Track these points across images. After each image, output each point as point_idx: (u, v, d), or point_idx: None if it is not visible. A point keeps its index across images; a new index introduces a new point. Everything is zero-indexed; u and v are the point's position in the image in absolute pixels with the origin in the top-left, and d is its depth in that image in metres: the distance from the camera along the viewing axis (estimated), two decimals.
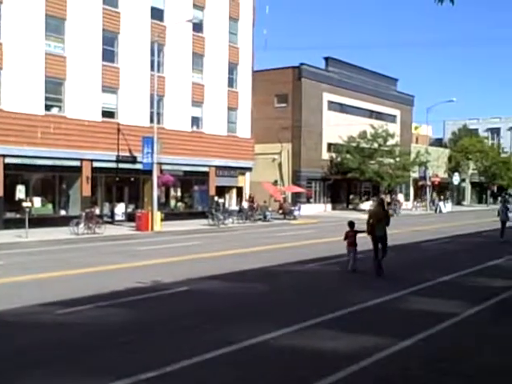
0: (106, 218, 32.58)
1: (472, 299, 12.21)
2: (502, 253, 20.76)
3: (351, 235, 16.53)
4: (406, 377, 7.35)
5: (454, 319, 10.42)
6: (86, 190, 32.90)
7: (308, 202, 50.35)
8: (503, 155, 75.49)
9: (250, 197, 41.08)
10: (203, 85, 40.52)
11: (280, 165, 50.75)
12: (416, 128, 76.57)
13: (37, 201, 31.28)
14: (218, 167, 41.13)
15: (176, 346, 8.63)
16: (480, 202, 76.70)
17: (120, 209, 35.58)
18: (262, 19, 70.96)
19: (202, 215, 36.97)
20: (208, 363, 7.76)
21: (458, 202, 72.15)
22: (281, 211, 41.77)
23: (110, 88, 34.40)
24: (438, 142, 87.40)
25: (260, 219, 38.12)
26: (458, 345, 8.87)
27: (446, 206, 57.12)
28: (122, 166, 34.67)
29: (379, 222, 15.80)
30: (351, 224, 16.81)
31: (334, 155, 52.95)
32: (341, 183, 54.24)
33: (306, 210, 46.78)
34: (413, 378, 7.32)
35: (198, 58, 40.02)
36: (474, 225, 36.10)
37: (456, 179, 66.23)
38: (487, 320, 10.58)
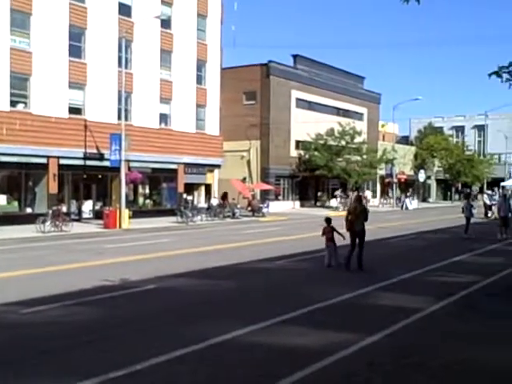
0: (73, 216, 32.31)
1: (437, 294, 12.42)
2: (466, 249, 21.15)
3: (329, 231, 16.76)
4: (373, 372, 7.45)
5: (420, 314, 10.60)
6: (53, 188, 32.55)
7: (276, 199, 50.56)
8: (467, 153, 76.86)
9: (223, 194, 41.09)
10: (171, 81, 40.38)
11: (248, 162, 50.86)
12: (383, 126, 77.39)
13: (2, 198, 30.91)
14: (186, 164, 41.03)
15: (144, 344, 8.62)
16: (445, 198, 77.96)
17: (87, 206, 35.31)
18: (230, 16, 70.77)
19: (170, 213, 36.87)
20: (177, 361, 7.78)
21: (424, 199, 73.19)
22: (249, 208, 41.93)
23: (76, 84, 34.07)
24: (405, 140, 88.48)
25: (229, 216, 38.17)
26: (423, 340, 9.03)
27: (412, 203, 57.93)
28: (89, 163, 34.37)
29: (357, 217, 16.13)
30: (328, 220, 17.07)
31: (302, 152, 53.28)
32: (309, 180, 54.62)
33: (275, 207, 46.99)
34: (380, 373, 7.43)
35: (166, 54, 39.87)
36: (439, 221, 36.68)
37: (422, 176, 67.22)
38: (452, 315, 10.77)
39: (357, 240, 16.13)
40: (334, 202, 51.51)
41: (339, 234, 16.72)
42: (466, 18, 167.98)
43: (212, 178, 44.10)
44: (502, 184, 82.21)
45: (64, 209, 30.39)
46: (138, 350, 8.23)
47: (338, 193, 52.48)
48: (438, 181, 77.83)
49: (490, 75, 5.22)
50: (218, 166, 44.14)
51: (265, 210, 41.97)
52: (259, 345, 8.60)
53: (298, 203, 53.76)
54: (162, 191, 40.95)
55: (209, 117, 43.63)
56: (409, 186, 67.17)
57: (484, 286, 13.72)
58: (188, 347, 8.28)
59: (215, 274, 15.67)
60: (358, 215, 16.22)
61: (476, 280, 14.36)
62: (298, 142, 53.38)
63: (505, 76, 5.22)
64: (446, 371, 7.50)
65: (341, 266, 16.25)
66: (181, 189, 40.85)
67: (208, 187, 44.00)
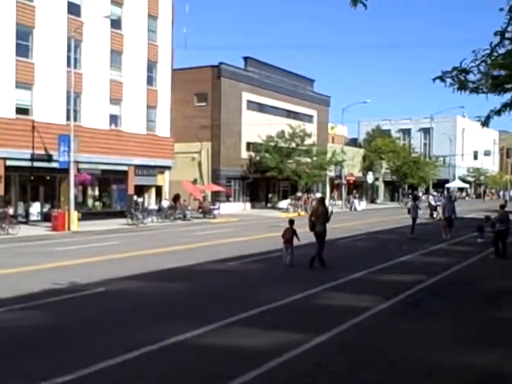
0: (20, 218, 31.65)
1: (384, 294, 12.77)
2: (412, 249, 21.71)
3: (290, 232, 17.28)
4: (321, 372, 7.65)
5: (368, 313, 10.91)
6: None
7: (227, 200, 50.67)
8: (414, 155, 78.58)
9: (174, 196, 40.96)
10: (122, 82, 40.04)
11: (200, 164, 50.82)
12: (332, 128, 78.46)
13: None
14: (137, 166, 40.73)
15: (93, 347, 8.62)
16: (392, 199, 79.44)
17: (35, 208, 34.68)
18: (181, 17, 70.69)
19: (120, 215, 36.55)
20: (128, 364, 7.83)
21: (372, 200, 74.45)
22: (200, 210, 41.93)
23: (24, 84, 33.45)
24: (353, 142, 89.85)
25: (180, 218, 38.10)
26: (371, 339, 9.29)
27: (361, 204, 58.91)
28: (37, 164, 33.78)
29: (319, 218, 16.89)
30: (291, 222, 17.64)
31: (252, 154, 53.53)
32: (260, 182, 54.95)
33: (226, 208, 47.12)
34: (328, 372, 7.63)
35: (116, 55, 39.51)
36: (386, 222, 37.44)
37: (370, 178, 68.40)
38: (398, 314, 11.11)
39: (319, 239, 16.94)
40: (284, 204, 51.96)
41: (297, 236, 17.30)
42: (413, 22, 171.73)
43: (163, 180, 43.90)
44: (447, 186, 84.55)
45: (11, 211, 29.71)
46: (87, 354, 8.22)
47: (292, 196, 52.92)
48: (386, 182, 79.28)
49: (434, 80, 5.47)
50: (169, 168, 43.97)
51: (216, 212, 42.08)
52: (210, 346, 8.70)
53: (248, 205, 54.00)
54: (111, 193, 40.53)
55: (159, 118, 43.43)
56: (357, 187, 68.23)
57: (428, 286, 14.18)
58: (139, 350, 8.33)
59: (167, 276, 15.72)
60: (319, 216, 16.91)
61: (421, 279, 14.81)
62: (248, 144, 53.61)
63: (448, 80, 5.49)
64: (392, 369, 7.75)
65: (293, 266, 16.78)
66: (131, 190, 40.52)
67: (159, 189, 43.77)
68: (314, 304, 12.01)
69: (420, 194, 69.91)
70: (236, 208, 50.79)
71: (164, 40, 43.60)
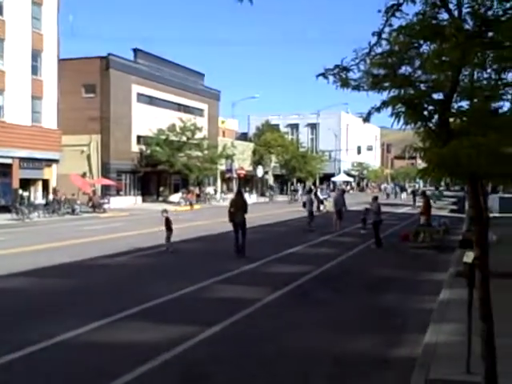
0: None
1: (273, 285, 13.28)
2: (300, 241, 22.50)
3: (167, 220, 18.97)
4: (214, 362, 7.96)
5: (257, 304, 11.34)
6: None
7: (118, 194, 49.91)
8: (301, 149, 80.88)
9: (53, 189, 39.82)
10: (4, 71, 38.42)
11: (89, 157, 49.64)
12: (223, 122, 78.99)
13: None
14: (21, 159, 39.23)
15: None
16: (282, 193, 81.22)
17: None
18: (67, 5, 68.32)
19: (5, 209, 35.09)
20: (14, 363, 7.74)
21: (262, 194, 75.76)
22: (90, 204, 41.07)
23: None
24: (244, 136, 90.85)
25: (68, 213, 37.14)
26: (260, 329, 9.72)
27: (251, 197, 59.84)
28: None
29: (238, 210, 18.08)
30: (165, 210, 19.37)
31: (143, 147, 53.00)
32: (151, 176, 54.50)
33: (117, 202, 46.42)
34: (220, 362, 7.96)
35: None
36: (276, 215, 38.35)
37: (260, 172, 69.62)
38: (287, 304, 11.63)
39: (239, 231, 18.09)
40: (175, 197, 51.89)
41: (169, 225, 19.17)
42: (302, 19, 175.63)
43: (50, 174, 42.56)
44: (333, 179, 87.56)
45: None
46: None
47: (183, 190, 53.01)
48: (276, 176, 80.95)
49: (317, 76, 5.82)
50: (57, 161, 42.69)
51: (106, 206, 41.40)
52: (99, 343, 8.75)
53: (140, 198, 53.41)
54: None
55: (46, 109, 42.06)
56: (248, 181, 69.24)
57: (315, 276, 14.88)
58: (24, 349, 8.23)
59: (55, 272, 15.44)
60: (238, 208, 18.17)
61: (308, 270, 15.48)
62: (139, 137, 53.01)
63: (331, 78, 5.85)
64: (281, 358, 8.18)
65: (173, 253, 18.27)
66: (16, 184, 38.97)
67: (46, 183, 42.39)
68: (206, 297, 12.28)
69: (312, 187, 72.03)
70: (127, 202, 50.11)
71: (49, 28, 42.23)
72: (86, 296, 12.38)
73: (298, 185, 71.74)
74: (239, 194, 19.61)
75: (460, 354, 7.04)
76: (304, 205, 28.73)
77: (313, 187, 59.47)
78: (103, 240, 23.14)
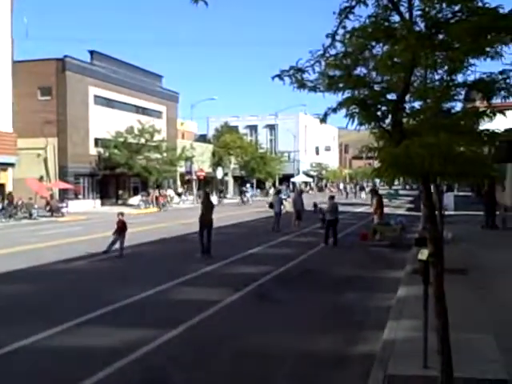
0: None
1: (234, 286, 13.30)
2: (260, 241, 22.55)
3: (121, 223, 18.93)
4: (173, 365, 7.95)
5: (218, 306, 11.36)
6: None
7: (76, 198, 49.24)
8: (260, 151, 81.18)
9: (8, 194, 39.06)
10: None
11: (46, 160, 48.79)
12: (182, 124, 78.66)
13: None
14: None
15: None
16: (241, 194, 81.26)
17: None
18: (21, 7, 67.21)
19: None
20: None
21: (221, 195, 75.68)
22: (48, 208, 40.45)
23: None
24: (203, 138, 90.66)
25: (26, 217, 36.49)
26: (220, 330, 9.75)
27: (212, 199, 59.59)
28: None
29: (207, 211, 18.85)
30: (121, 213, 19.47)
31: (101, 150, 52.39)
32: (109, 179, 53.90)
33: (75, 206, 45.75)
34: (179, 365, 7.95)
35: None
36: (236, 216, 38.36)
37: (219, 173, 69.58)
38: (247, 305, 11.69)
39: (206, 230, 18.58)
40: (135, 200, 51.49)
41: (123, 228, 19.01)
42: (258, 22, 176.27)
43: (5, 178, 41.71)
44: (292, 180, 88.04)
45: None
46: None
47: (142, 193, 52.63)
48: (235, 177, 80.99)
49: (273, 78, 5.88)
50: (12, 165, 41.87)
51: (64, 210, 40.81)
52: (58, 348, 8.66)
53: (98, 202, 52.77)
54: None
55: (0, 112, 41.18)
56: (208, 182, 69.07)
57: (275, 276, 14.97)
58: None
59: (11, 278, 15.17)
60: (207, 209, 18.94)
61: (269, 270, 15.56)
62: (97, 140, 52.36)
63: (287, 79, 5.90)
64: (242, 359, 8.23)
65: (122, 256, 18.10)
66: None
67: (2, 187, 41.51)
68: (167, 299, 12.25)
69: (267, 188, 72.30)
70: (86, 205, 49.45)
71: (2, 29, 41.37)
72: (43, 302, 12.20)
73: (248, 186, 71.79)
74: (206, 196, 20.42)
75: (417, 349, 7.19)
76: (271, 205, 28.58)
77: (274, 188, 59.72)
78: (61, 244, 22.80)
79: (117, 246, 18.69)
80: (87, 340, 9.11)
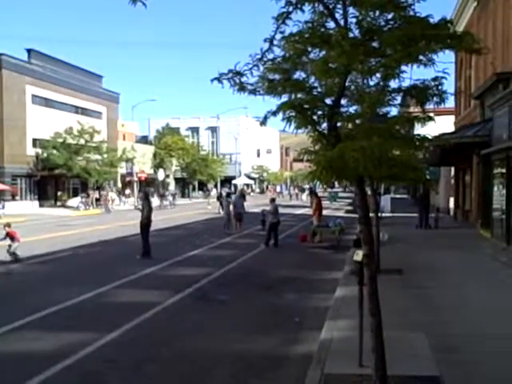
0: None
1: (174, 288, 13.26)
2: (201, 243, 22.50)
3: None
4: (111, 368, 7.86)
5: (158, 308, 11.31)
6: None
7: (14, 199, 48.01)
8: (202, 153, 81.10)
9: None
10: None
11: None
12: (123, 125, 77.74)
13: None
14: None
15: None
16: (183, 196, 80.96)
17: None
18: None
19: None
20: None
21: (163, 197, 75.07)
22: None
23: None
24: (144, 140, 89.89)
25: None
26: (160, 332, 9.71)
27: (153, 201, 59.08)
28: None
29: (150, 211, 19.24)
30: (8, 225, 18.83)
31: (39, 151, 51.25)
32: (48, 180, 52.83)
33: (12, 208, 44.56)
34: (118, 368, 7.87)
35: None
36: (177, 218, 38.12)
37: (161, 175, 69.10)
38: (187, 307, 11.65)
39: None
40: (74, 202, 50.57)
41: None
42: (202, 24, 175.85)
43: None
44: (234, 182, 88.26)
45: None
46: None
47: (82, 194, 51.51)
48: (177, 179, 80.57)
49: (212, 81, 5.91)
50: None
51: (0, 212, 39.71)
52: None
53: (37, 203, 51.58)
54: None
55: None
56: (149, 184, 68.47)
57: (215, 278, 14.99)
58: None
59: None
60: (150, 209, 19.35)
61: (209, 272, 15.58)
62: (35, 140, 51.22)
63: (225, 82, 5.94)
64: (179, 360, 8.22)
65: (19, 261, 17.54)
66: None
67: None
68: (105, 302, 12.10)
69: (210, 189, 72.17)
70: (23, 207, 48.23)
71: None
72: None
73: (171, 189, 71.27)
74: (146, 196, 20.31)
75: (354, 348, 7.35)
76: (222, 207, 28.67)
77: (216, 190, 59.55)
78: None
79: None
80: (23, 345, 8.92)
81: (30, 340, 9.17)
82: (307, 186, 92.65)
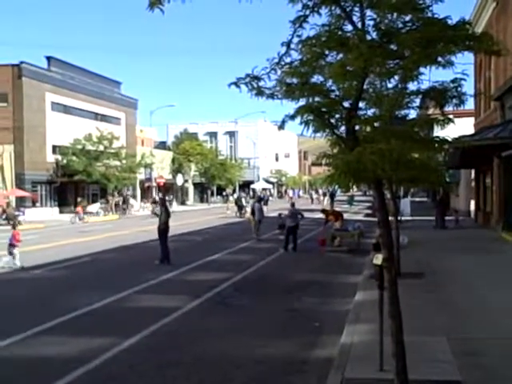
0: None
1: (194, 293, 13.28)
2: (220, 248, 22.46)
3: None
4: (132, 372, 7.90)
5: (177, 313, 11.33)
6: None
7: (34, 206, 48.44)
8: (220, 157, 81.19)
9: None
10: None
11: (2, 168, 47.90)
12: (141, 131, 78.16)
13: None
14: None
15: None
16: (202, 201, 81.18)
17: None
18: None
19: None
20: None
21: (183, 202, 75.40)
22: (4, 217, 39.67)
23: None
24: (163, 145, 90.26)
25: None
26: (180, 337, 9.71)
27: (172, 206, 59.36)
28: None
29: (167, 217, 19.18)
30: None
31: (59, 157, 51.67)
32: (68, 186, 53.21)
33: (32, 214, 44.97)
34: (138, 373, 7.90)
35: None
36: (196, 223, 38.22)
37: (179, 180, 69.31)
38: (206, 312, 11.65)
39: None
40: (94, 208, 50.88)
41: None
42: (219, 30, 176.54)
43: None
44: (252, 186, 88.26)
45: None
46: None
47: (101, 200, 51.81)
48: (195, 184, 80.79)
49: (229, 85, 5.90)
50: None
51: (21, 218, 40.05)
52: (15, 358, 8.53)
53: (57, 210, 51.99)
54: None
55: None
56: (168, 189, 68.72)
57: (235, 282, 14.99)
58: None
59: None
60: (167, 215, 19.28)
61: (228, 277, 15.59)
62: (54, 147, 51.64)
63: (243, 87, 5.93)
64: (200, 364, 8.22)
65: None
66: None
67: None
68: (126, 307, 12.16)
69: (229, 193, 72.24)
70: (43, 213, 48.64)
71: None
72: (3, 310, 12.00)
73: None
74: (163, 203, 20.40)
75: (374, 352, 7.30)
76: (253, 212, 27.96)
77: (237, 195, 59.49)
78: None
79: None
80: (45, 349, 8.98)
81: (53, 344, 9.23)
82: (325, 190, 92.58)
